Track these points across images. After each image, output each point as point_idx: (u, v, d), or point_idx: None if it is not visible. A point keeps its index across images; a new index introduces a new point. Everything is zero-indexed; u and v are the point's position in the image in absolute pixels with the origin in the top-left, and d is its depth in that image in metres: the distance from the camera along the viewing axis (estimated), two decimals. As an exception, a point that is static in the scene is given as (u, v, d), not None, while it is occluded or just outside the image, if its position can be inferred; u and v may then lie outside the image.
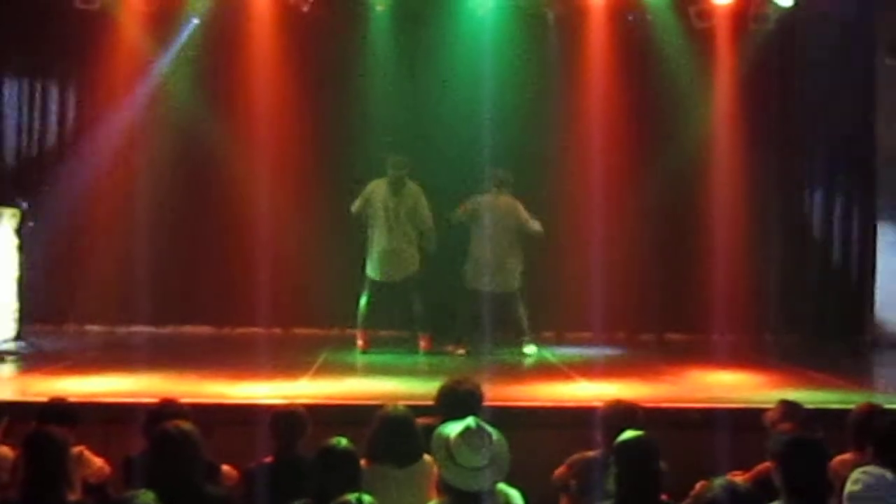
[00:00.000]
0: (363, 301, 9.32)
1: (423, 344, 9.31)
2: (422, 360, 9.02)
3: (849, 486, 3.17)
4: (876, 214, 10.75)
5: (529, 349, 9.26)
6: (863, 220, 10.76)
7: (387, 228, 9.13)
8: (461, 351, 9.17)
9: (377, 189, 9.18)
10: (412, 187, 9.20)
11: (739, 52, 10.32)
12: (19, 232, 9.14)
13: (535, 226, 9.23)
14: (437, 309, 9.42)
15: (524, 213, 9.24)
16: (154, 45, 10.22)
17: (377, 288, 9.28)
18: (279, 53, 10.23)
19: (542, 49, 10.54)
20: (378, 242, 9.18)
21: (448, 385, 5.01)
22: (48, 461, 4.14)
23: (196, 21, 10.18)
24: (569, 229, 9.98)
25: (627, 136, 10.33)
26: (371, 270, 9.25)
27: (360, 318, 9.35)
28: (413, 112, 10.32)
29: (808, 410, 5.18)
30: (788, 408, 5.10)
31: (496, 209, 9.22)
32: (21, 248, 9.15)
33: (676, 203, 10.46)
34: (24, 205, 9.14)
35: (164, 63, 10.19)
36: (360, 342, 9.33)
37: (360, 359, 9.05)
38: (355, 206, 9.25)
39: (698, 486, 4.59)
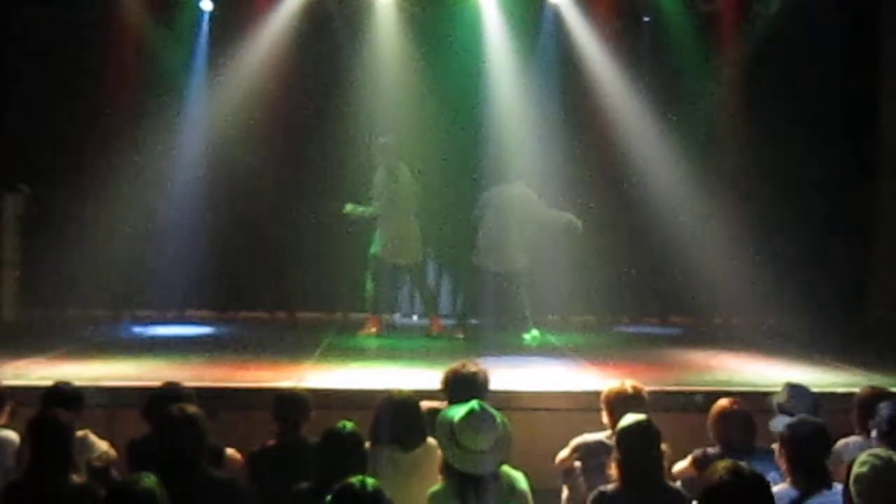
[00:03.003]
0: (373, 285, 9.33)
1: (434, 326, 9.35)
2: (424, 344, 9.01)
3: (856, 469, 3.16)
4: (879, 198, 10.71)
5: (531, 334, 9.23)
6: (866, 203, 10.72)
7: (393, 214, 9.19)
8: (459, 335, 9.17)
9: (378, 178, 9.23)
10: (404, 170, 9.24)
11: (743, 35, 10.28)
12: (23, 217, 9.16)
13: (563, 217, 9.13)
14: (450, 292, 9.46)
15: (542, 207, 9.13)
16: (161, 31, 10.20)
17: (386, 272, 9.31)
18: (285, 42, 10.20)
19: (545, 34, 10.50)
20: (387, 227, 9.22)
21: (454, 369, 5.01)
22: (53, 444, 4.14)
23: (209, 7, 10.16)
24: (573, 214, 9.96)
25: (631, 121, 10.30)
26: (381, 254, 9.27)
27: (371, 303, 9.37)
28: (418, 101, 10.27)
29: (814, 394, 5.17)
30: (795, 391, 5.09)
31: (506, 196, 9.15)
32: (24, 233, 9.17)
33: (680, 187, 10.42)
34: (28, 190, 9.14)
35: (197, 65, 10.19)
36: (373, 328, 9.31)
37: (363, 343, 9.05)
38: (369, 210, 9.24)
39: (690, 458, 4.64)
